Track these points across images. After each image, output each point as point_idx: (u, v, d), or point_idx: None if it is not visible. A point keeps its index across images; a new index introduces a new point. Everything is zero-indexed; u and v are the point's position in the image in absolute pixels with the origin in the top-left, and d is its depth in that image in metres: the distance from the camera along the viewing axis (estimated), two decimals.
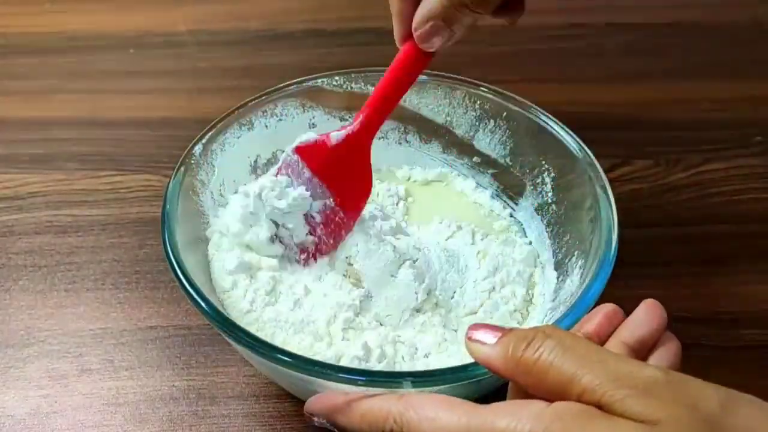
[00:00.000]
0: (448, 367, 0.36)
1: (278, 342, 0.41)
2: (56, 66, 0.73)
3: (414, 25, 0.37)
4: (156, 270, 0.54)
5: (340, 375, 0.35)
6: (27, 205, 0.59)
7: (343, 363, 0.40)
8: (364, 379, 0.35)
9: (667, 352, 0.34)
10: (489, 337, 0.32)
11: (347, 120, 0.53)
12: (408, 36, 0.40)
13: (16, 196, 0.60)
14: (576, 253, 0.45)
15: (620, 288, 0.51)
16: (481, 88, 0.51)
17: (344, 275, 0.44)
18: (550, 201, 0.49)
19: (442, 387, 0.35)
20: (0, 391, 0.47)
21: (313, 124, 0.52)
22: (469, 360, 0.33)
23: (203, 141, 0.47)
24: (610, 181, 0.44)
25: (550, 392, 0.29)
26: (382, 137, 0.54)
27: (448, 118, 0.53)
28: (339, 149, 0.44)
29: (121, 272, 0.54)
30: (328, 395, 0.36)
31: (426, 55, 0.39)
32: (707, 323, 0.51)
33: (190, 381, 0.47)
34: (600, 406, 0.28)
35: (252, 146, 0.50)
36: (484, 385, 0.38)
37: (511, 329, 0.32)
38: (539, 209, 0.50)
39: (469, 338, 0.33)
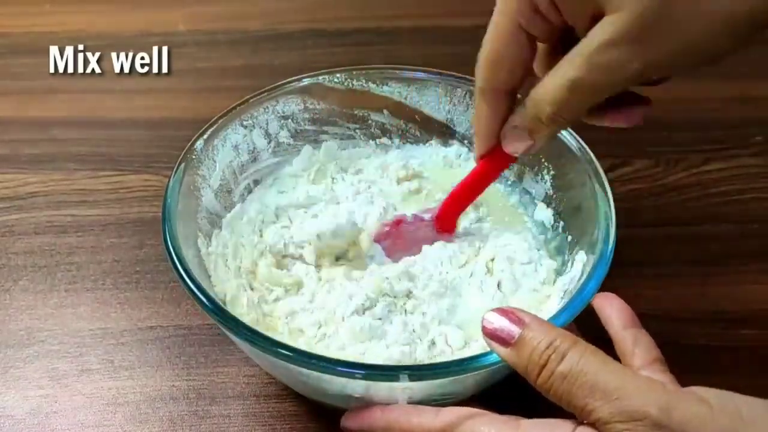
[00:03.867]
0: (444, 361, 0.36)
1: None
2: (56, 66, 0.73)
3: (502, 131, 0.40)
4: (156, 270, 0.54)
5: (339, 369, 0.35)
6: (27, 205, 0.59)
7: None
8: (362, 372, 0.35)
9: (650, 342, 0.40)
10: (505, 334, 0.34)
11: (346, 117, 0.53)
12: (484, 155, 0.43)
13: (16, 196, 0.60)
14: (575, 249, 0.45)
15: (620, 288, 0.51)
16: None
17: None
18: (549, 199, 0.49)
19: (439, 381, 0.36)
20: (0, 391, 0.47)
21: (313, 120, 0.52)
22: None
23: (205, 137, 0.47)
24: (610, 181, 0.44)
25: (570, 410, 0.33)
26: (385, 138, 0.55)
27: (449, 116, 0.53)
28: (418, 229, 0.48)
29: (121, 272, 0.54)
30: (366, 412, 0.37)
31: (509, 158, 0.42)
32: (707, 323, 0.51)
33: (190, 381, 0.47)
34: None
35: (253, 143, 0.50)
36: (486, 377, 0.38)
37: (521, 323, 0.34)
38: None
39: (485, 333, 0.35)
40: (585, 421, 0.32)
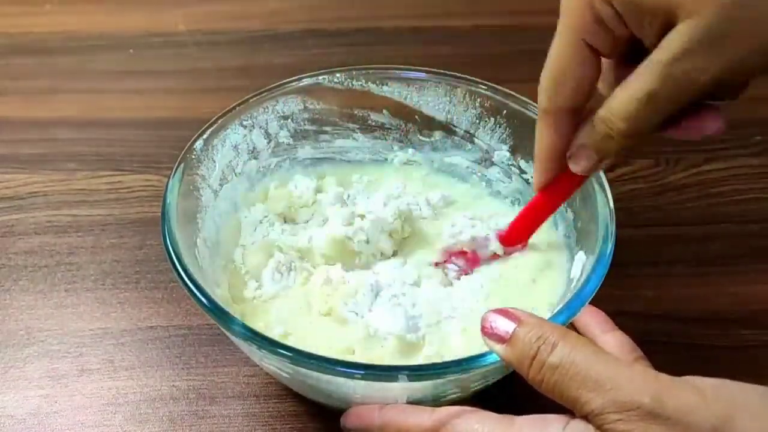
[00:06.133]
0: (442, 362, 0.36)
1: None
2: (56, 66, 0.73)
3: (569, 151, 0.39)
4: (156, 270, 0.54)
5: (338, 368, 0.35)
6: (27, 205, 0.59)
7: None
8: (362, 372, 0.35)
9: (630, 342, 0.41)
10: (501, 331, 0.34)
11: (346, 117, 0.53)
12: (545, 184, 0.41)
13: (16, 196, 0.60)
14: (574, 249, 0.45)
15: (620, 288, 0.52)
16: (481, 86, 0.51)
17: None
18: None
19: (438, 381, 0.36)
20: (0, 391, 0.47)
21: (313, 120, 0.52)
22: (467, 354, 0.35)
23: (204, 137, 0.47)
24: (610, 181, 0.44)
25: (563, 403, 0.33)
26: (383, 138, 0.55)
27: (449, 116, 0.53)
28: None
29: (121, 272, 0.54)
30: (364, 410, 0.38)
31: (574, 183, 0.41)
32: (707, 323, 0.51)
33: (190, 381, 0.47)
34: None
35: (253, 143, 0.50)
36: (485, 377, 0.38)
37: (517, 320, 0.34)
38: None
39: (484, 332, 0.35)
40: (578, 414, 0.32)
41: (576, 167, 0.38)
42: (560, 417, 0.33)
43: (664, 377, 0.32)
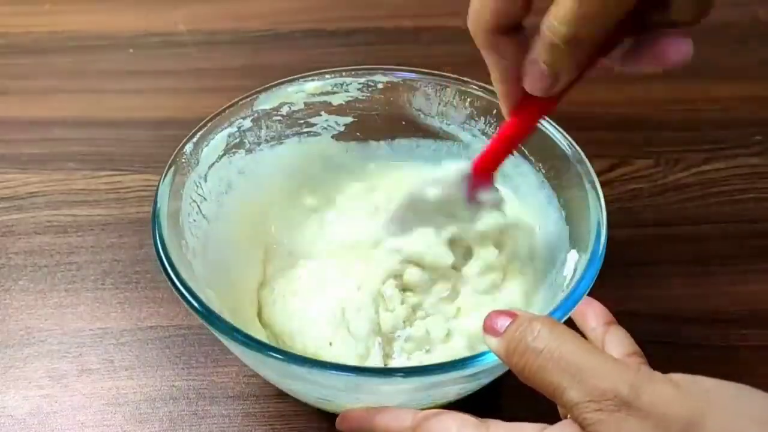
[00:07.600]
0: (436, 363, 0.36)
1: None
2: (56, 66, 0.73)
3: (522, 69, 0.37)
4: (156, 270, 0.54)
5: (333, 372, 0.35)
6: (27, 205, 0.59)
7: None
8: (355, 374, 0.35)
9: (626, 337, 0.40)
10: (498, 326, 0.34)
11: (342, 117, 0.53)
12: (513, 108, 0.40)
13: (16, 196, 0.60)
14: (568, 249, 0.45)
15: (620, 288, 0.52)
16: (471, 86, 0.51)
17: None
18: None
19: (431, 381, 0.36)
20: (0, 391, 0.47)
21: (305, 121, 0.52)
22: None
23: (194, 140, 0.47)
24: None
25: (544, 391, 0.32)
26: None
27: (439, 117, 0.53)
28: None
29: (121, 272, 0.54)
30: (356, 413, 0.38)
31: (542, 105, 0.39)
32: (707, 323, 0.51)
33: (190, 381, 0.47)
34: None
35: (245, 144, 0.50)
36: (482, 378, 0.38)
37: (515, 317, 0.34)
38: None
39: (484, 328, 0.35)
40: (558, 402, 0.32)
41: (529, 84, 0.37)
42: (535, 426, 0.33)
43: (645, 369, 0.31)
